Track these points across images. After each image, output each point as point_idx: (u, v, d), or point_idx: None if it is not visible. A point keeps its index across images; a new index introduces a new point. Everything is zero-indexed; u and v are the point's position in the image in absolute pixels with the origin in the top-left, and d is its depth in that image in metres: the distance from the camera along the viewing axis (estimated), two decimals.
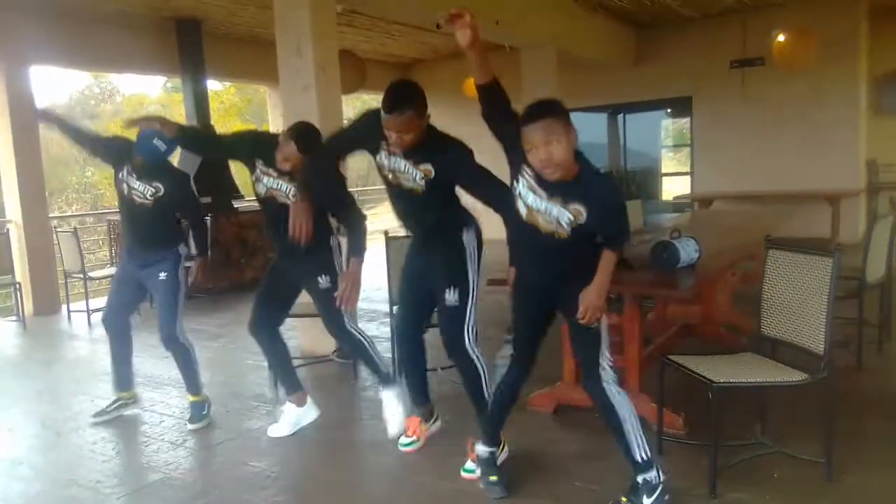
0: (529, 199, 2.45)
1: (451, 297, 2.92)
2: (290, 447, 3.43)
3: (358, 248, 3.02)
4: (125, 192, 3.60)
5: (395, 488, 2.96)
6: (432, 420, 3.35)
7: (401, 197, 2.98)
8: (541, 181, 2.42)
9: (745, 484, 2.70)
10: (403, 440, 3.24)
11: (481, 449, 2.82)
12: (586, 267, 2.45)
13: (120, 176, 3.60)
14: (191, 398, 3.76)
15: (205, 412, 3.75)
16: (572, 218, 2.39)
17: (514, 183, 2.51)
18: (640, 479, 2.51)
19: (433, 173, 2.83)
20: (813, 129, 8.67)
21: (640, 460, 2.50)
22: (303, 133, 3.17)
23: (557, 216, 2.40)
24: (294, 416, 3.54)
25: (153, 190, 3.55)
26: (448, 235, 2.97)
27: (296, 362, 3.83)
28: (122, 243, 3.79)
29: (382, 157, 2.93)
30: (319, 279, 3.30)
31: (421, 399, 3.32)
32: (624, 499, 2.54)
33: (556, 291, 2.58)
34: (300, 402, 3.56)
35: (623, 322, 3.33)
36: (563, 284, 2.53)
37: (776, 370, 2.77)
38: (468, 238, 2.98)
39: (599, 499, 2.67)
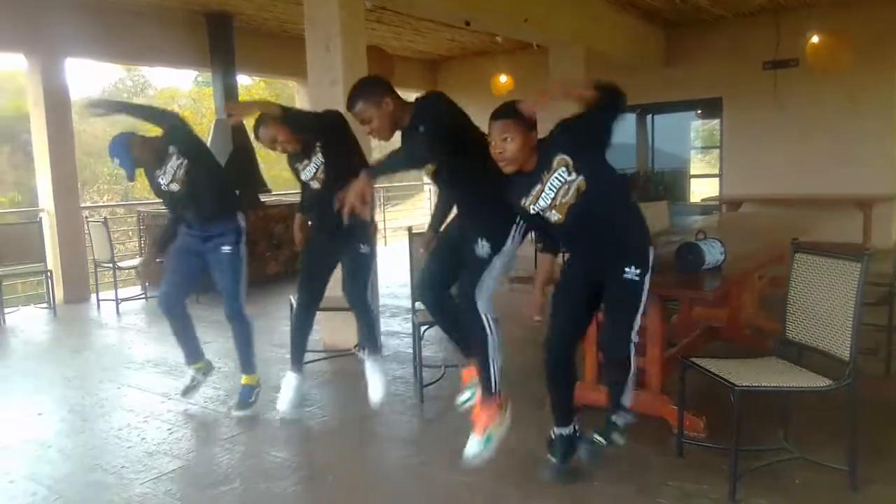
0: (542, 202, 2.60)
1: (480, 249, 2.86)
2: (310, 439, 3.47)
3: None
4: (164, 192, 3.63)
5: (413, 482, 2.98)
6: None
7: (444, 182, 3.07)
8: (530, 185, 2.59)
9: (765, 489, 2.66)
10: (461, 398, 3.34)
11: (556, 430, 2.88)
12: (621, 228, 2.63)
13: (156, 181, 3.63)
14: (244, 380, 3.78)
15: (252, 399, 3.75)
16: (566, 167, 2.52)
17: (529, 212, 2.67)
18: (616, 419, 2.76)
19: (428, 134, 2.78)
20: (846, 132, 8.51)
21: (627, 405, 2.76)
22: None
23: (561, 183, 2.54)
24: (295, 384, 3.68)
25: (177, 168, 3.52)
26: (487, 205, 2.89)
27: (317, 355, 3.88)
28: (179, 222, 3.74)
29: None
30: (361, 246, 3.52)
31: (463, 346, 3.26)
32: (598, 436, 2.75)
33: (604, 261, 2.66)
34: (299, 371, 3.73)
35: (646, 323, 3.31)
36: (610, 250, 2.63)
37: (801, 375, 2.72)
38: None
39: (617, 499, 2.66)
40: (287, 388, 3.67)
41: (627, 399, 2.76)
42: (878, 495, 2.63)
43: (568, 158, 2.52)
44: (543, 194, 2.58)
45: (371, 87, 2.91)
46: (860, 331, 2.59)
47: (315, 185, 3.46)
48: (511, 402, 3.01)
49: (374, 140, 3.17)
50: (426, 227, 3.47)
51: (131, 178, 3.52)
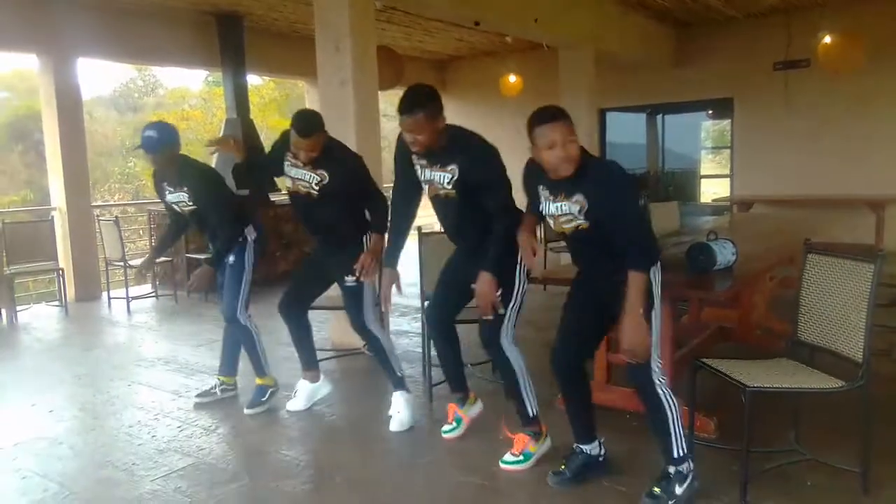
0: (549, 207, 2.59)
1: (350, 279, 3.11)
2: (318, 438, 3.48)
3: (379, 226, 3.29)
4: (171, 206, 3.77)
5: (420, 482, 2.98)
6: (469, 403, 3.35)
7: (441, 206, 3.03)
8: (551, 187, 2.56)
9: (776, 491, 2.65)
10: (445, 427, 3.30)
11: (577, 446, 2.85)
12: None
13: (162, 189, 3.75)
14: (258, 381, 3.85)
15: (264, 398, 3.81)
16: (580, 209, 2.48)
17: (537, 208, 2.69)
18: (671, 469, 2.56)
19: (457, 174, 2.86)
20: (858, 133, 8.45)
21: (676, 456, 2.55)
22: (299, 118, 3.28)
23: (569, 211, 2.51)
24: (308, 391, 3.76)
25: (186, 196, 3.65)
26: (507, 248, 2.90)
27: (326, 354, 3.89)
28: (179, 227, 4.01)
29: (419, 170, 3.01)
30: (347, 278, 3.43)
31: (456, 385, 3.35)
32: (657, 489, 2.56)
33: (606, 293, 2.57)
34: (314, 379, 3.77)
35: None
36: (610, 285, 2.51)
37: (812, 376, 2.71)
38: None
39: (626, 498, 2.65)
40: (301, 392, 3.77)
41: (676, 449, 2.54)
42: (890, 498, 2.61)
43: (586, 206, 2.46)
44: (552, 204, 2.58)
45: (434, 103, 2.84)
46: (872, 332, 2.58)
47: (306, 190, 3.38)
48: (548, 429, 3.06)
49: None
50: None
51: (145, 149, 3.56)
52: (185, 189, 3.62)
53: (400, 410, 3.49)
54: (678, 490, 2.54)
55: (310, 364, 3.79)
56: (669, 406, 2.55)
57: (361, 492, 2.86)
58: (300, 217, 3.60)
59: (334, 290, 3.66)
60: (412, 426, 3.47)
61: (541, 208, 2.66)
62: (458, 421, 3.30)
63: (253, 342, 3.83)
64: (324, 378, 3.83)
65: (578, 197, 2.46)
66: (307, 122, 3.25)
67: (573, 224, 2.52)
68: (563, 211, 2.53)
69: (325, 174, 3.30)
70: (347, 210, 3.40)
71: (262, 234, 3.87)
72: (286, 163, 3.40)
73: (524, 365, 3.03)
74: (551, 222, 2.63)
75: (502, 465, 2.96)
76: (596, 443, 2.84)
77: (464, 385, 3.36)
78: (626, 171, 2.54)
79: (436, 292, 3.27)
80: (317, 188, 3.33)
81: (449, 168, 2.88)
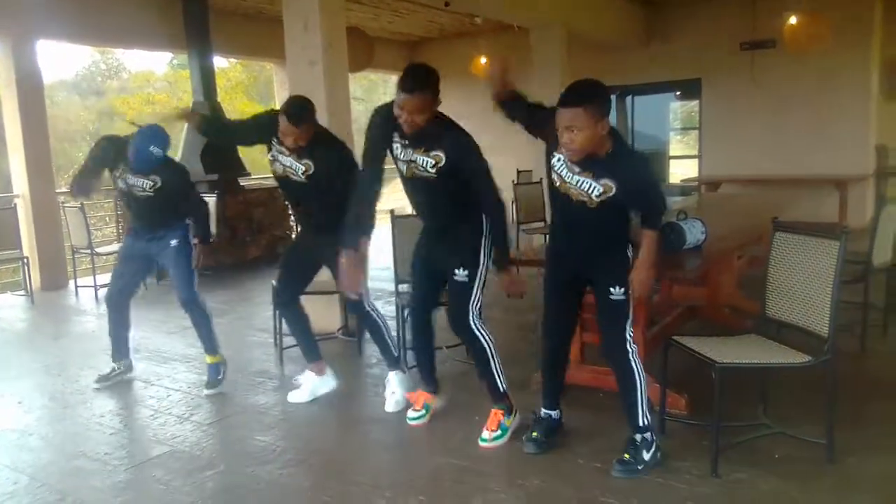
0: (564, 171, 2.64)
1: (461, 273, 2.98)
2: (294, 422, 3.47)
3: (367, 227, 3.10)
4: (124, 187, 3.75)
5: (398, 463, 3.00)
6: (437, 396, 3.38)
7: (417, 187, 3.03)
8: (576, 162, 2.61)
9: (746, 464, 2.72)
10: (412, 414, 3.29)
11: (544, 412, 2.99)
12: (615, 242, 2.71)
13: (116, 174, 3.74)
14: (208, 359, 3.89)
15: (220, 376, 3.87)
16: (602, 191, 2.57)
17: (549, 156, 2.72)
18: (638, 437, 2.72)
19: (443, 160, 2.87)
20: (822, 113, 8.60)
21: (641, 424, 2.72)
22: (292, 106, 3.23)
23: (588, 189, 2.59)
24: (312, 384, 3.68)
25: (151, 183, 3.67)
26: (465, 222, 3.00)
27: None
28: (127, 224, 3.92)
29: (397, 149, 2.98)
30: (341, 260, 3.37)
31: (428, 376, 3.36)
32: (626, 455, 2.70)
33: (585, 264, 2.75)
34: (320, 372, 3.70)
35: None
36: (592, 257, 2.73)
37: (780, 352, 2.77)
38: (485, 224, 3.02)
39: (602, 475, 2.70)
40: (305, 385, 3.71)
41: (642, 417, 2.73)
42: (853, 466, 2.70)
43: (613, 189, 2.57)
44: (570, 175, 2.63)
45: (435, 83, 2.84)
46: (838, 307, 2.64)
47: (296, 178, 3.36)
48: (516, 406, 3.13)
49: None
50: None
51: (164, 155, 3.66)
52: (156, 180, 3.66)
53: (395, 391, 3.48)
54: (646, 456, 2.70)
55: (313, 355, 3.72)
56: (639, 376, 2.72)
57: (339, 475, 2.87)
58: (290, 202, 3.59)
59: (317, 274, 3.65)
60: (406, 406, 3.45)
61: (552, 162, 2.70)
62: (427, 408, 3.29)
63: (210, 322, 3.90)
64: (329, 371, 3.74)
65: (607, 182, 2.56)
66: (299, 110, 3.21)
67: (582, 199, 2.61)
68: (582, 186, 2.61)
69: (311, 164, 3.28)
70: (335, 200, 3.30)
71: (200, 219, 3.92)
72: (273, 147, 3.37)
73: (493, 344, 3.06)
74: (557, 182, 2.69)
75: (482, 444, 2.99)
76: (559, 410, 3.01)
77: (434, 377, 3.38)
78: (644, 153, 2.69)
79: (415, 288, 3.30)
80: (303, 177, 3.30)
81: (433, 154, 2.87)
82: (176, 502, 2.70)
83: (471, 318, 3.01)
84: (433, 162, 2.89)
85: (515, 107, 2.91)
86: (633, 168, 2.65)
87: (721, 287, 4.67)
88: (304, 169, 3.30)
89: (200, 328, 3.90)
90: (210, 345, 3.90)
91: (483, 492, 2.65)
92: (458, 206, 2.97)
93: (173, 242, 3.76)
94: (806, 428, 2.88)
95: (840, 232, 2.67)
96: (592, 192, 2.59)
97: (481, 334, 3.03)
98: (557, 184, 2.70)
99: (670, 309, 4.38)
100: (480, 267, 3.00)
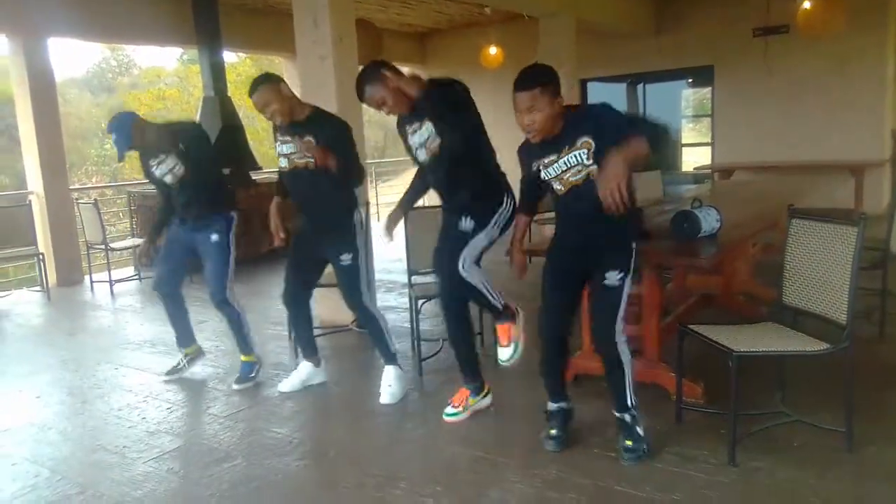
0: (553, 172, 2.64)
1: (464, 223, 3.02)
2: (310, 415, 3.49)
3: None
4: (157, 180, 3.74)
5: (414, 453, 3.00)
6: (482, 395, 3.29)
7: (437, 163, 3.08)
8: (547, 150, 2.63)
9: (764, 452, 2.70)
10: (448, 410, 3.25)
11: (556, 406, 2.96)
12: (618, 230, 2.65)
13: (149, 168, 3.73)
14: (243, 358, 3.90)
15: (253, 374, 3.88)
16: (587, 151, 2.55)
17: (537, 178, 2.75)
18: (627, 416, 2.75)
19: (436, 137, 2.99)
20: (837, 98, 8.49)
21: (630, 404, 2.75)
22: (251, 83, 3.30)
23: (577, 162, 2.56)
24: (305, 374, 3.75)
25: (174, 166, 3.62)
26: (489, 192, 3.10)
27: (315, 331, 3.88)
28: (169, 207, 3.87)
29: (407, 132, 3.09)
30: (341, 257, 3.44)
31: (469, 373, 3.28)
32: (628, 441, 2.73)
33: (589, 253, 2.71)
34: (315, 364, 3.79)
35: (641, 292, 3.32)
36: (596, 242, 2.69)
37: (797, 339, 2.75)
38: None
39: (615, 465, 2.69)
40: (297, 374, 3.76)
41: (630, 397, 2.74)
42: (873, 455, 2.67)
43: (592, 143, 2.54)
44: (555, 165, 2.62)
45: (372, 72, 3.01)
46: (856, 294, 2.61)
47: (300, 160, 3.35)
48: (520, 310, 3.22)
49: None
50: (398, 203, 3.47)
51: (121, 158, 3.57)
52: (174, 148, 3.58)
53: (391, 384, 3.52)
54: (640, 430, 2.75)
55: (310, 352, 3.78)
56: (627, 363, 2.73)
57: (356, 466, 2.88)
58: (295, 196, 3.53)
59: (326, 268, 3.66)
60: (402, 398, 3.50)
61: (542, 177, 2.70)
62: (465, 408, 3.25)
63: (240, 322, 3.85)
64: (323, 364, 3.82)
65: (583, 139, 2.54)
66: (254, 81, 3.30)
67: (583, 175, 2.57)
68: (571, 164, 2.58)
69: (312, 139, 3.27)
70: (339, 183, 3.35)
71: (239, 215, 3.87)
72: (276, 145, 3.42)
73: (481, 270, 3.09)
74: (559, 187, 2.66)
75: (504, 362, 3.15)
76: (567, 400, 2.99)
77: (477, 374, 3.29)
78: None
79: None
80: (311, 155, 3.27)
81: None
82: (194, 495, 2.72)
83: (461, 267, 3.01)
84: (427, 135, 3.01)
85: (535, 201, 2.99)
86: (598, 112, 2.62)
87: (736, 275, 4.64)
88: (306, 146, 3.25)
89: (233, 328, 3.86)
90: (244, 345, 3.88)
91: (500, 481, 2.66)
92: (467, 172, 3.06)
93: (214, 237, 3.69)
94: (824, 416, 2.86)
95: (858, 218, 2.64)
96: (582, 160, 2.55)
97: (468, 275, 3.02)
98: (557, 186, 2.68)
99: (685, 297, 4.35)
100: (490, 227, 3.05)
